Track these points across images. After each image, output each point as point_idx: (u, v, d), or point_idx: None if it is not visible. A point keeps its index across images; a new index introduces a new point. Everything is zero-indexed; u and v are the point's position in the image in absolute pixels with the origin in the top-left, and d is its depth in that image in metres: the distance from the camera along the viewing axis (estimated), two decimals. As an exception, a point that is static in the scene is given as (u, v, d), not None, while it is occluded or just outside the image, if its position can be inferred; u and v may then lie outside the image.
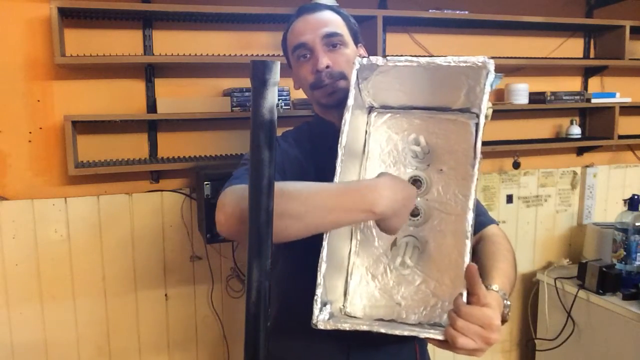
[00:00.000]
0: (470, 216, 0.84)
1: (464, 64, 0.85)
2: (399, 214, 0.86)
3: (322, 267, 0.85)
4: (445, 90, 0.92)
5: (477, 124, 0.91)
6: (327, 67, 1.05)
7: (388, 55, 0.89)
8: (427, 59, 0.88)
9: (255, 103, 0.67)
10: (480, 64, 0.84)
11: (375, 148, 0.99)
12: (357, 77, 0.93)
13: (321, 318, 0.83)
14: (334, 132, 0.99)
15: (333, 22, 1.09)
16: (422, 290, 0.91)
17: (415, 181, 0.95)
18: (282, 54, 1.18)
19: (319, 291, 0.84)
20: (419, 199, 0.94)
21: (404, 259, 0.90)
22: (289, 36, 1.12)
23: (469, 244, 0.84)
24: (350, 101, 0.92)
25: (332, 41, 1.07)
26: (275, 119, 0.68)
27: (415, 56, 0.90)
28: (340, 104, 1.08)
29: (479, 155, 0.85)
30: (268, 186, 0.68)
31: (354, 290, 0.94)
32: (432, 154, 0.96)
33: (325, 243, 0.85)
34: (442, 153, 0.95)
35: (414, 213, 0.93)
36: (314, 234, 0.85)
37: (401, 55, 0.90)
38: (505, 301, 0.87)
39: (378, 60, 0.90)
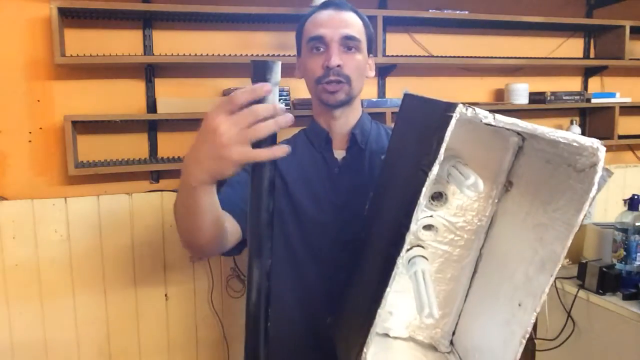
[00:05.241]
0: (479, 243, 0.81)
1: (576, 144, 0.65)
2: (200, 163, 0.73)
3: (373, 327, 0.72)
4: None
5: (520, 147, 0.79)
6: (338, 66, 1.05)
7: (495, 112, 0.65)
8: (535, 128, 0.65)
9: (255, 103, 0.67)
10: (590, 149, 0.65)
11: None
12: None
13: None
14: (325, 144, 1.13)
15: (355, 25, 1.09)
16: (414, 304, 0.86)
17: (439, 194, 0.82)
18: (282, 54, 1.18)
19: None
20: (432, 215, 0.83)
21: (431, 311, 0.72)
22: (307, 24, 1.11)
23: (469, 272, 0.83)
24: (435, 169, 0.65)
25: (349, 44, 1.07)
26: (275, 119, 0.68)
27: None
28: (339, 106, 1.09)
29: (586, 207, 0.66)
30: (268, 187, 0.69)
31: None
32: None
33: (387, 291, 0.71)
34: (470, 165, 0.78)
35: (428, 227, 0.83)
36: (207, 237, 0.85)
37: (496, 112, 0.65)
38: None
39: (487, 117, 0.65)
